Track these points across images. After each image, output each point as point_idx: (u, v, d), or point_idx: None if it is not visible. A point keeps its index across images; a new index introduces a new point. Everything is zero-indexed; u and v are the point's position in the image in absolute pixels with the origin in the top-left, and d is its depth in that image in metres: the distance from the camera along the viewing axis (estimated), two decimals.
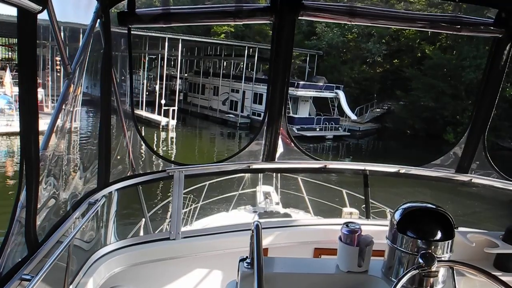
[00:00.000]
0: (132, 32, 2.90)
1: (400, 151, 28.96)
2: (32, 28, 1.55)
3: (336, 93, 36.59)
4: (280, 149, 3.45)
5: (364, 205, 3.62)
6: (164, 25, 2.97)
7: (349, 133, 36.13)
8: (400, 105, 38.07)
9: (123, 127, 3.07)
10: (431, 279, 1.81)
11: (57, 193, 2.51)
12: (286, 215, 6.14)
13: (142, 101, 34.80)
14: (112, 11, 2.60)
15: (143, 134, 3.36)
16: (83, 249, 2.72)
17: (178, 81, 40.08)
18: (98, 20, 2.47)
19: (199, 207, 5.69)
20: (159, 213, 6.15)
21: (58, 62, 27.79)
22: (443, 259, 1.76)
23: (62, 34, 2.24)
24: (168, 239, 2.92)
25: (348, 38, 41.97)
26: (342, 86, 37.59)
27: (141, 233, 4.22)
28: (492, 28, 3.17)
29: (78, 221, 2.42)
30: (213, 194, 6.82)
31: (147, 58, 39.63)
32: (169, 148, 29.14)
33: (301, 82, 35.77)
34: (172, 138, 31.72)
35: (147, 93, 37.75)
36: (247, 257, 1.90)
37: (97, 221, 2.90)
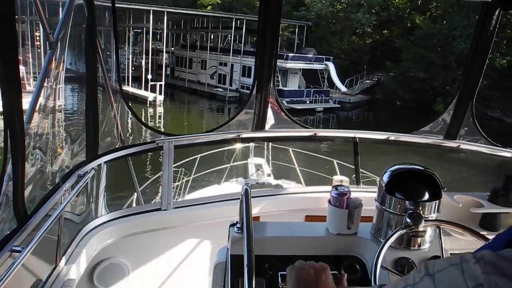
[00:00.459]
0: (116, 5, 2.87)
1: (390, 122, 29.16)
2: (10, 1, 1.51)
3: (325, 64, 36.48)
4: (270, 120, 3.47)
5: (354, 174, 3.68)
6: None
7: (339, 105, 36.25)
8: (390, 76, 38.16)
9: (110, 98, 3.07)
10: (419, 239, 1.87)
11: (44, 166, 2.52)
12: (278, 186, 6.23)
13: (128, 77, 34.44)
14: None
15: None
16: (74, 222, 2.75)
17: (165, 55, 39.65)
18: None
19: (191, 180, 5.74)
20: (151, 187, 6.18)
21: (38, 38, 27.21)
22: (430, 218, 1.81)
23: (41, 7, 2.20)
24: (159, 209, 2.96)
25: (337, 8, 41.68)
26: (332, 57, 37.44)
27: (133, 206, 4.26)
28: None
29: (67, 194, 2.44)
30: (204, 167, 6.86)
31: (132, 32, 39.02)
32: (157, 124, 29.04)
33: (290, 54, 35.58)
34: (160, 113, 31.59)
35: (133, 68, 37.33)
36: (237, 222, 1.94)
37: (88, 194, 2.92)
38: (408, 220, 1.72)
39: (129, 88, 33.17)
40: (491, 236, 1.64)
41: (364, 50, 40.39)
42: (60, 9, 2.71)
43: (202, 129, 27.53)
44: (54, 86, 2.52)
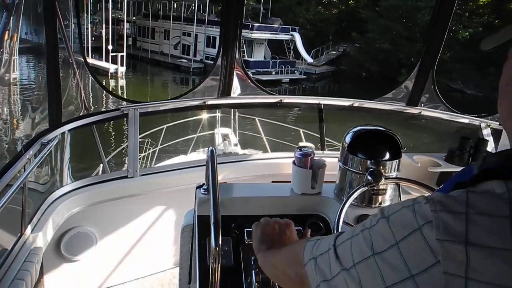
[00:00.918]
0: None
1: (356, 93, 29.35)
2: None
3: (291, 35, 36.36)
4: (237, 90, 3.51)
5: (319, 141, 3.78)
6: None
7: (305, 76, 36.34)
8: (356, 47, 38.46)
9: (73, 66, 3.02)
10: (379, 197, 1.98)
11: (4, 135, 2.49)
12: (245, 155, 6.29)
13: (87, 47, 33.38)
14: None
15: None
16: (39, 191, 2.74)
17: (126, 25, 38.50)
18: None
19: (157, 150, 5.73)
20: (116, 159, 6.12)
21: None
22: (390, 177, 1.91)
23: None
24: (126, 177, 2.98)
25: None
26: (298, 28, 37.32)
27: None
28: None
29: (31, 162, 2.42)
30: (170, 138, 6.85)
31: (91, 0, 37.65)
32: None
33: (256, 24, 35.24)
34: (122, 86, 30.88)
35: (92, 38, 36.15)
36: (203, 184, 1.99)
37: (52, 163, 2.90)
38: (370, 177, 1.82)
39: (89, 60, 32.15)
40: None
41: (330, 21, 40.41)
42: None
43: None
44: (9, 53, 2.47)
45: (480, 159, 0.67)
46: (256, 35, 34.27)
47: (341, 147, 2.04)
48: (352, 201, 1.82)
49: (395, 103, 3.99)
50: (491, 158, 0.65)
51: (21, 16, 2.52)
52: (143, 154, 5.95)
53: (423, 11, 31.83)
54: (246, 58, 32.97)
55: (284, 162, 3.32)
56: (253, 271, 1.67)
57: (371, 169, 1.86)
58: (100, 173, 4.34)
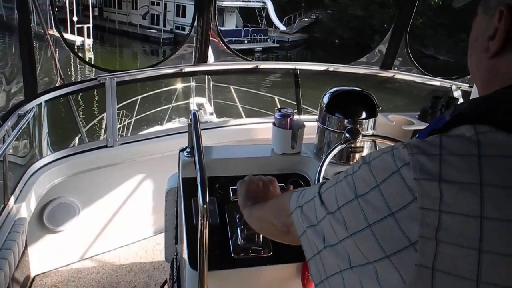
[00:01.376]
0: None
1: (329, 61, 29.31)
2: None
3: (264, 2, 35.82)
4: (211, 58, 3.53)
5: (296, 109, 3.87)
6: None
7: (278, 45, 36.09)
8: (328, 14, 38.32)
9: (46, 36, 3.00)
10: (357, 154, 2.08)
11: None
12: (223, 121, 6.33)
13: (50, 19, 32.28)
14: None
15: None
16: (18, 164, 2.76)
17: None
18: None
19: (132, 122, 5.73)
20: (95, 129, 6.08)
21: None
22: (367, 134, 2.01)
23: None
24: (105, 146, 3.02)
25: None
26: None
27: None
28: None
29: (8, 135, 2.43)
30: (146, 108, 6.83)
31: None
32: (87, 70, 27.79)
33: None
34: (90, 58, 30.15)
35: (56, 9, 34.92)
36: (186, 147, 2.05)
37: (30, 135, 2.92)
38: (347, 135, 1.91)
39: (53, 32, 31.17)
40: None
41: None
42: None
43: None
44: None
45: (452, 108, 0.76)
46: (227, 3, 33.74)
47: (319, 108, 2.12)
48: (331, 159, 1.91)
49: (369, 67, 4.10)
50: (462, 106, 0.72)
51: None
52: (118, 125, 5.94)
53: None
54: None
55: (262, 127, 3.40)
56: (238, 228, 1.76)
57: (348, 127, 1.94)
58: (76, 144, 4.35)
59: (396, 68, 4.08)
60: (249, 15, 36.43)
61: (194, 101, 7.27)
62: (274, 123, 2.09)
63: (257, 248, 1.72)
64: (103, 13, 40.86)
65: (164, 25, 36.44)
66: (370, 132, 2.05)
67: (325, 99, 2.07)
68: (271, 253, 1.70)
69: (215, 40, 3.44)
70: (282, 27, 36.66)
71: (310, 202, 0.85)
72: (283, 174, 2.07)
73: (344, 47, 34.94)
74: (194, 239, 1.65)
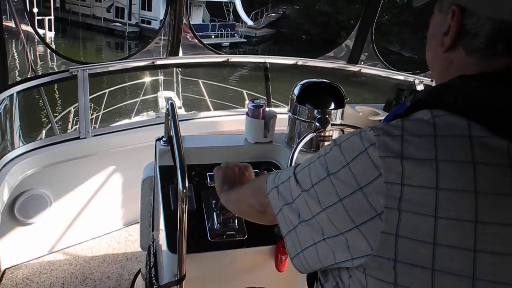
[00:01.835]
0: None
1: (296, 56, 29.79)
2: None
3: None
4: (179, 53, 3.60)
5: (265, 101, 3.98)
6: None
7: (245, 40, 36.11)
8: (296, 9, 38.60)
9: (18, 27, 3.00)
10: (326, 143, 2.20)
11: None
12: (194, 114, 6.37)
13: (7, 10, 31.26)
14: None
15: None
16: None
17: None
18: None
19: (101, 115, 5.71)
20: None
21: None
22: (336, 123, 2.13)
23: None
24: (78, 138, 3.04)
25: None
26: None
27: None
28: None
29: None
30: (113, 102, 6.79)
31: None
32: (50, 64, 27.11)
33: None
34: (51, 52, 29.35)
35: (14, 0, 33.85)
36: (162, 136, 2.12)
37: (2, 126, 2.91)
38: (318, 124, 2.02)
39: (11, 24, 30.22)
40: None
41: None
42: None
43: None
44: None
45: (412, 95, 0.87)
46: None
47: (290, 99, 2.23)
48: (301, 148, 2.02)
49: (336, 61, 4.25)
50: (420, 93, 0.83)
51: None
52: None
53: None
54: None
55: (233, 119, 3.49)
56: (214, 213, 1.85)
57: (318, 117, 2.06)
58: (43, 136, 4.33)
59: (362, 63, 4.25)
60: (216, 9, 36.28)
61: (162, 95, 7.28)
62: (247, 113, 2.19)
63: (233, 232, 1.82)
64: (65, 5, 39.77)
65: (129, 19, 35.86)
66: (338, 122, 2.18)
67: (296, 91, 2.18)
68: (246, 236, 1.81)
69: (189, 35, 3.51)
70: (250, 22, 36.65)
71: (286, 183, 0.94)
72: (256, 162, 2.17)
73: (311, 43, 35.22)
74: (172, 224, 1.73)
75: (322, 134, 2.12)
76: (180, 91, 7.26)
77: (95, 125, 5.74)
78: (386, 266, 0.72)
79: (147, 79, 6.82)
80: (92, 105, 5.83)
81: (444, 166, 0.68)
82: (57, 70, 3.05)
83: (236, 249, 1.78)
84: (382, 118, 2.66)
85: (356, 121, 2.61)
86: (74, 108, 5.48)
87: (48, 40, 29.78)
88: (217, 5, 36.13)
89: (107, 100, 6.04)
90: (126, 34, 35.06)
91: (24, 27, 3.20)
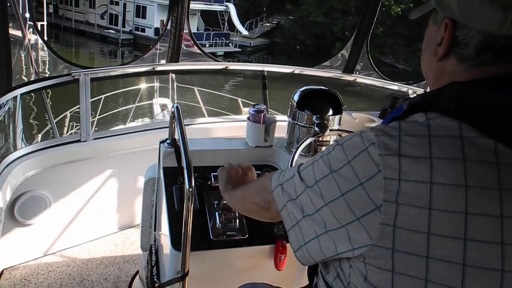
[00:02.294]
0: None
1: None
2: None
3: (226, 6, 35.90)
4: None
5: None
6: None
7: (240, 49, 36.18)
8: (290, 19, 38.82)
9: (23, 30, 3.08)
10: (324, 148, 2.30)
11: None
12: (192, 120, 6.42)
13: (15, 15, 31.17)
14: None
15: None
16: None
17: None
18: None
19: (96, 121, 5.76)
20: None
21: None
22: (334, 129, 2.23)
23: None
24: (79, 141, 3.12)
25: None
26: None
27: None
28: None
29: None
30: (108, 108, 6.85)
31: None
32: (41, 70, 27.00)
33: None
34: (43, 58, 29.28)
35: (8, 4, 33.80)
36: (166, 139, 2.21)
37: (4, 127, 2.97)
38: (316, 129, 2.12)
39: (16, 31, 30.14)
40: None
41: None
42: None
43: None
44: None
45: (409, 99, 0.97)
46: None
47: (290, 105, 2.32)
48: (300, 152, 2.12)
49: (332, 70, 4.37)
50: (415, 97, 0.92)
51: None
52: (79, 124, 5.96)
53: None
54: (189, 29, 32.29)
55: (229, 125, 3.59)
56: (216, 213, 1.94)
57: (317, 122, 2.16)
58: (39, 140, 4.39)
59: (357, 73, 4.38)
60: (211, 18, 36.43)
61: (157, 102, 7.35)
62: (248, 118, 2.28)
63: (234, 231, 1.91)
64: (58, 11, 39.77)
65: (123, 26, 35.92)
66: (335, 127, 2.28)
67: (296, 97, 2.29)
68: (246, 236, 1.89)
69: (189, 43, 3.62)
70: (245, 32, 36.79)
71: (290, 180, 1.02)
72: (256, 165, 2.25)
73: (305, 53, 35.33)
74: (175, 223, 1.81)
75: (320, 139, 2.22)
76: (176, 98, 7.33)
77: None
78: (385, 255, 0.80)
79: (142, 85, 6.90)
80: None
81: (438, 163, 0.75)
82: (59, 74, 3.12)
83: (237, 247, 1.86)
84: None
85: (353, 127, 2.70)
86: (70, 112, 5.54)
87: (40, 46, 29.64)
88: (211, 14, 36.26)
89: (102, 106, 6.10)
90: (120, 41, 35.06)
91: (15, 32, 3.28)
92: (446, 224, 0.74)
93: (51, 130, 3.91)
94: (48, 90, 3.35)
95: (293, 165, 2.02)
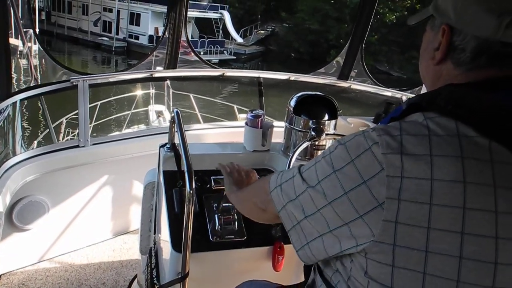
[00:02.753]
0: None
1: None
2: None
3: (221, 13, 35.91)
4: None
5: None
6: None
7: (235, 57, 36.18)
8: (285, 27, 38.99)
9: (22, 37, 3.13)
10: (319, 152, 2.37)
11: None
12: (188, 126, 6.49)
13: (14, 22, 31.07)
14: None
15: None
16: None
17: None
18: None
19: (92, 127, 5.82)
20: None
21: None
22: (329, 133, 2.31)
23: None
24: (77, 146, 3.17)
25: None
26: (227, 6, 37.16)
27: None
28: None
29: None
30: (105, 114, 6.91)
31: None
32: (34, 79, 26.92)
33: None
34: (35, 66, 29.21)
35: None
36: (166, 143, 2.27)
37: (3, 133, 3.02)
38: (313, 133, 2.19)
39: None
40: None
41: None
42: None
43: None
44: None
45: (407, 100, 1.03)
46: None
47: (286, 110, 2.40)
48: (297, 156, 2.19)
49: (327, 77, 4.47)
50: (414, 98, 0.97)
51: None
52: (77, 131, 6.01)
53: None
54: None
55: (226, 131, 3.66)
56: (216, 216, 2.00)
57: (313, 127, 2.23)
58: (35, 146, 4.44)
59: (352, 79, 4.47)
60: (205, 26, 36.47)
61: (153, 108, 7.43)
62: (246, 123, 2.36)
63: (233, 233, 1.98)
64: (51, 18, 39.73)
65: (117, 33, 35.94)
66: (331, 132, 2.35)
67: (292, 102, 2.36)
68: (245, 237, 1.96)
69: (186, 49, 3.70)
70: (239, 39, 36.74)
71: (289, 181, 1.05)
72: (254, 169, 2.33)
73: (300, 61, 35.37)
74: (176, 225, 1.88)
75: (316, 143, 2.29)
76: (171, 105, 7.41)
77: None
78: (386, 250, 0.83)
79: (138, 92, 6.98)
80: None
81: (438, 160, 0.79)
82: (59, 80, 3.18)
83: (236, 249, 1.93)
84: None
85: (348, 132, 2.76)
86: (66, 119, 5.59)
87: (32, 53, 29.57)
88: (206, 22, 36.28)
89: (99, 113, 6.16)
90: (113, 49, 35.04)
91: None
92: (445, 218, 0.78)
93: (41, 137, 3.95)
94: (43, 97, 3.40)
95: (291, 166, 2.08)
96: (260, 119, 2.33)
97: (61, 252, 3.35)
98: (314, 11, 35.21)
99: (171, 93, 7.02)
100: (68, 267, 3.25)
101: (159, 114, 7.56)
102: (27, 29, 3.17)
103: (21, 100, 3.00)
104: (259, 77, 4.03)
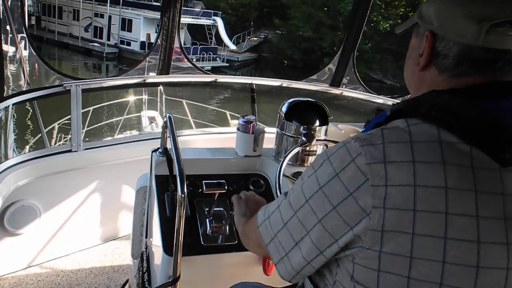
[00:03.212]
0: None
1: None
2: None
3: (214, 20, 35.95)
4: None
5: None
6: None
7: (227, 64, 36.16)
8: (278, 34, 39.10)
9: (15, 41, 3.17)
10: (311, 157, 2.43)
11: None
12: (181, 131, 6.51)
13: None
14: None
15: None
16: None
17: (28, 1, 36.26)
18: None
19: (84, 132, 5.84)
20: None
21: None
22: (320, 139, 2.36)
23: None
24: (70, 151, 3.21)
25: None
26: (220, 12, 37.23)
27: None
28: None
29: None
30: (97, 120, 6.94)
31: None
32: (24, 83, 26.84)
33: None
34: (28, 71, 29.07)
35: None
36: (158, 148, 2.31)
37: None
38: (304, 138, 2.25)
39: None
40: None
41: (252, 6, 40.75)
42: None
43: None
44: None
45: (392, 106, 1.07)
46: None
47: (278, 116, 2.45)
48: (288, 161, 2.24)
49: (319, 84, 4.54)
50: (397, 104, 1.00)
51: None
52: (69, 136, 6.03)
53: (346, 0, 32.94)
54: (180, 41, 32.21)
55: (219, 137, 3.71)
56: (207, 220, 2.05)
57: (304, 132, 2.29)
58: (27, 150, 4.46)
59: (344, 86, 4.55)
60: (198, 32, 36.47)
61: (146, 114, 7.46)
62: (238, 128, 2.41)
63: (224, 237, 2.03)
64: (41, 22, 39.68)
65: (108, 39, 35.87)
66: (322, 137, 2.41)
67: (284, 108, 2.42)
68: (236, 241, 2.01)
69: (179, 56, 3.75)
70: (233, 46, 36.76)
71: (276, 211, 1.06)
72: (245, 174, 2.38)
73: (294, 68, 35.40)
74: (167, 229, 1.92)
75: (307, 148, 2.35)
76: (164, 110, 7.45)
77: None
78: (372, 256, 0.86)
79: (131, 98, 7.01)
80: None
81: (420, 167, 0.81)
82: (51, 85, 3.22)
83: (227, 253, 1.98)
84: None
85: (339, 138, 2.80)
86: (58, 124, 5.62)
87: (22, 58, 29.46)
88: (199, 28, 36.29)
89: (91, 118, 6.19)
90: (105, 55, 34.99)
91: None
92: (429, 224, 0.80)
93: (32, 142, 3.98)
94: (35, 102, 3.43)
95: (281, 173, 2.13)
96: (251, 125, 2.38)
97: (52, 257, 3.37)
98: (307, 18, 35.35)
99: (164, 99, 7.06)
100: (59, 272, 3.27)
101: (151, 120, 7.60)
102: (19, 34, 3.19)
103: (13, 104, 3.03)
104: (251, 84, 4.09)
